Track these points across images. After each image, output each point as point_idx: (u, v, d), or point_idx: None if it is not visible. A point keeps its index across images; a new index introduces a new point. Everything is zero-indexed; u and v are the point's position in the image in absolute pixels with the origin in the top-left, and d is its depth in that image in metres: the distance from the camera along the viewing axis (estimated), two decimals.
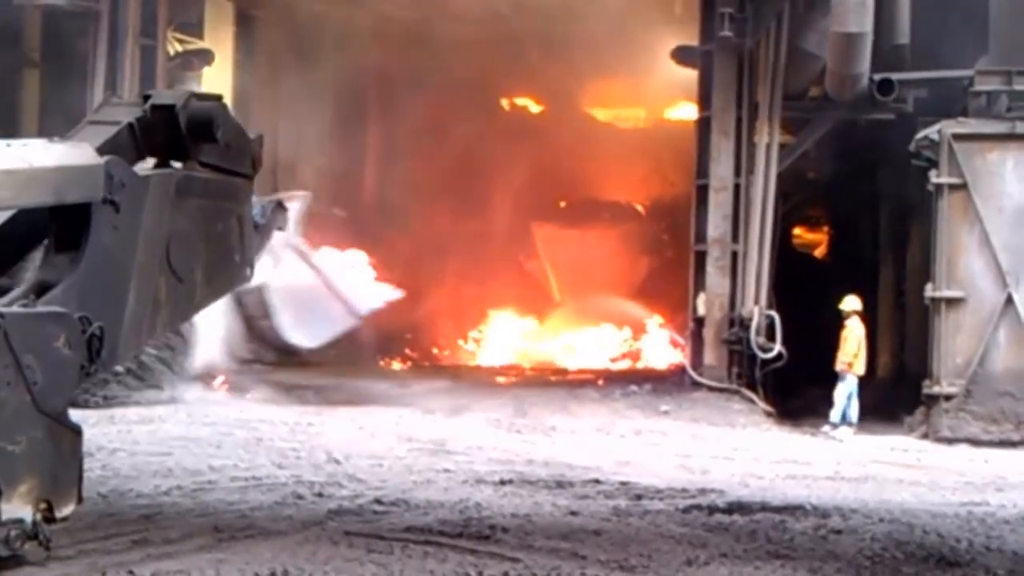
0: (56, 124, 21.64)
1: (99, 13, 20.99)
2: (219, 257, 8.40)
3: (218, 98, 8.36)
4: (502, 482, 11.38)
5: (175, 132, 7.95)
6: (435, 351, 28.14)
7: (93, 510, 8.32)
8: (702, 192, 19.62)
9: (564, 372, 25.48)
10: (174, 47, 22.38)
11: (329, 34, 25.35)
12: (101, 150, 7.66)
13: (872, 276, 21.94)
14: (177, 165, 8.09)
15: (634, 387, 20.30)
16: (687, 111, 23.62)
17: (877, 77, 18.45)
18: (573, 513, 9.87)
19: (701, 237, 19.64)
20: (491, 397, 19.42)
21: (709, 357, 19.38)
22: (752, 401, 18.50)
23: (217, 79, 23.06)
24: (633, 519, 9.68)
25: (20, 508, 6.85)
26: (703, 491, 11.17)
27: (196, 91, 8.64)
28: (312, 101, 25.13)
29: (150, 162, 8.21)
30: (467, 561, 7.92)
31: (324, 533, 8.65)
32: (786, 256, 20.88)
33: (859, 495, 11.39)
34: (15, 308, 7.08)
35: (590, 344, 28.33)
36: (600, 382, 22.06)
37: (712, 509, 10.16)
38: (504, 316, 29.08)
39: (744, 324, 18.94)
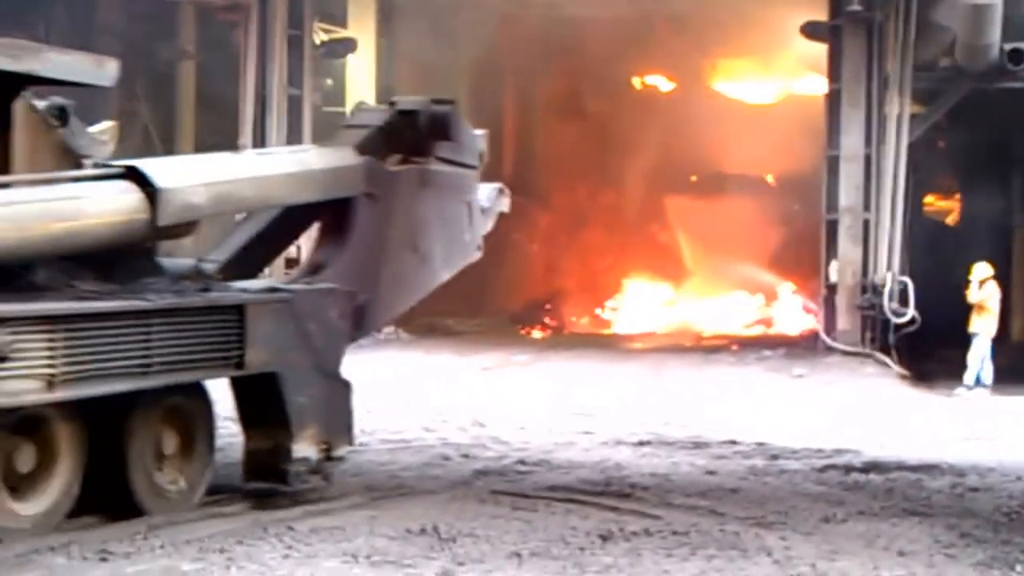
0: (211, 112, 22.75)
1: (249, 7, 21.55)
2: (453, 237, 9.76)
3: (452, 103, 9.68)
4: (640, 443, 11.50)
5: (417, 133, 9.34)
6: (573, 320, 28.59)
7: None
8: (833, 163, 19.84)
9: (699, 338, 25.65)
10: (320, 36, 22.99)
11: (466, 18, 25.85)
12: (358, 150, 9.05)
13: (1005, 242, 21.91)
14: (418, 160, 9.49)
15: (768, 352, 20.47)
16: (816, 85, 23.74)
17: (1008, 47, 18.45)
18: (710, 472, 9.98)
19: (832, 207, 19.86)
20: (628, 362, 19.63)
21: (842, 322, 19.60)
22: (886, 364, 18.62)
23: (361, 66, 23.83)
24: (770, 478, 9.75)
25: (306, 449, 8.26)
26: (839, 451, 11.20)
27: (434, 97, 9.89)
28: (451, 83, 25.66)
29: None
30: (608, 518, 8.07)
31: (471, 492, 8.90)
32: (917, 223, 20.95)
33: (995, 454, 11.34)
34: (299, 285, 8.49)
35: (724, 311, 28.51)
36: (734, 347, 22.14)
37: (848, 468, 10.21)
38: (639, 286, 29.38)
39: (877, 290, 19.12)
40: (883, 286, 19.10)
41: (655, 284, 29.47)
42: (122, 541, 7.06)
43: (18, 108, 7.63)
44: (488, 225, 10.38)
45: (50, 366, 6.68)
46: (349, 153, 8.97)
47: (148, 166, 7.61)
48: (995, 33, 18.23)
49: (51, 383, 6.70)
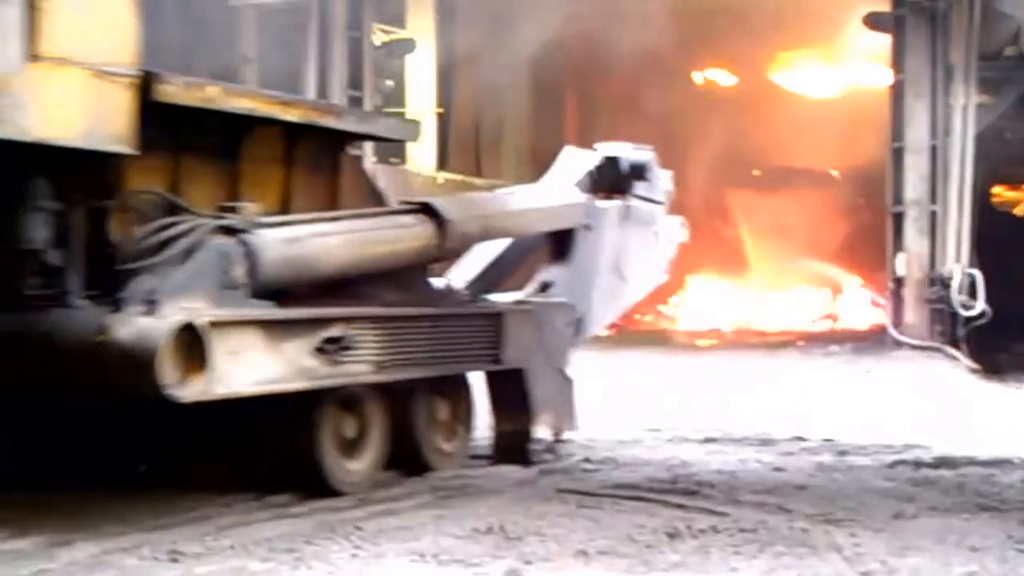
0: None
1: (309, 10, 21.89)
2: (645, 263, 11.51)
3: (651, 148, 11.57)
4: (707, 440, 11.48)
5: (619, 174, 11.25)
6: (636, 317, 28.50)
7: None
8: (898, 155, 19.73)
9: (764, 334, 25.55)
10: (379, 37, 23.17)
11: (526, 17, 25.90)
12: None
13: None
14: (620, 197, 11.27)
15: (835, 347, 20.28)
16: (880, 76, 23.56)
17: None
18: (778, 469, 9.92)
19: (898, 199, 19.73)
20: (693, 359, 19.48)
21: (910, 316, 19.47)
22: (955, 358, 18.48)
23: (420, 67, 23.88)
24: (838, 474, 9.65)
25: (542, 431, 10.01)
26: (908, 446, 11.10)
27: (635, 145, 11.66)
28: (511, 83, 25.70)
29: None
30: (676, 515, 8.00)
31: (536, 491, 8.83)
32: (986, 215, 20.79)
33: None
34: (538, 299, 10.41)
35: (789, 306, 28.35)
36: (800, 343, 22.00)
37: (918, 464, 10.12)
38: (703, 282, 29.30)
39: (945, 283, 19.00)
40: (951, 279, 18.95)
41: (719, 280, 29.37)
42: (192, 542, 7.13)
43: (344, 157, 9.39)
44: (672, 252, 12.09)
45: (377, 354, 8.47)
46: (575, 191, 10.89)
47: (438, 202, 9.40)
48: None
49: (378, 368, 8.50)
